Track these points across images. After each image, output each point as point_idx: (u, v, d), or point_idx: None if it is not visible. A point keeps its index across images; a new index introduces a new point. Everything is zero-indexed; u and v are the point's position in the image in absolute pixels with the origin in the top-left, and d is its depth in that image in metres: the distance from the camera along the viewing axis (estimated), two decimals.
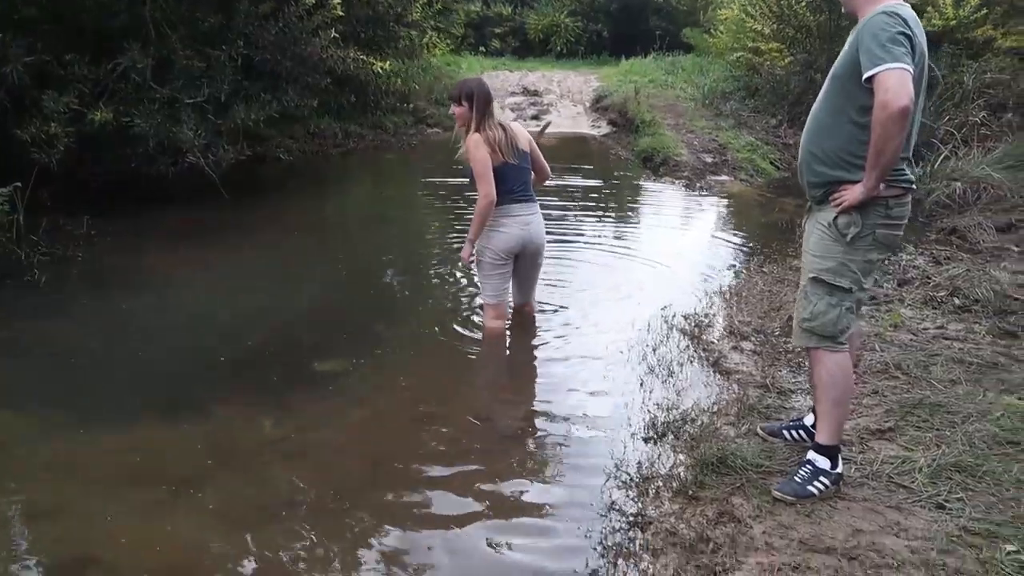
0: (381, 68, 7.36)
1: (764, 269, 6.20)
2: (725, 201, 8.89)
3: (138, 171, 7.26)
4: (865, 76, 2.76)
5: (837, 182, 2.98)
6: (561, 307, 5.21)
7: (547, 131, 13.18)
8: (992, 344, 4.62)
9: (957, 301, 5.28)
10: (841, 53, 2.99)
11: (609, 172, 10.33)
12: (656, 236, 7.29)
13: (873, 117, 2.75)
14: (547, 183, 4.88)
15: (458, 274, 5.74)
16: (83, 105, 6.62)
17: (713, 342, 4.64)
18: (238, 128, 7.21)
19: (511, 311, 4.84)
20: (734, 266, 6.31)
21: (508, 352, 4.69)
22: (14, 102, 6.59)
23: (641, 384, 4.07)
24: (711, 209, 8.56)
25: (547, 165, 4.70)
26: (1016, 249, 6.57)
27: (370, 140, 11.08)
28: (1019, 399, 3.86)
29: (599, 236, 7.26)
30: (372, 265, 6.14)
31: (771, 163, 10.46)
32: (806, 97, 11.77)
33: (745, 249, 6.83)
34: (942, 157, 8.59)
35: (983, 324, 4.89)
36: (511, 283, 4.68)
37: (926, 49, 2.90)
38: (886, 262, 5.82)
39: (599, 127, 13.46)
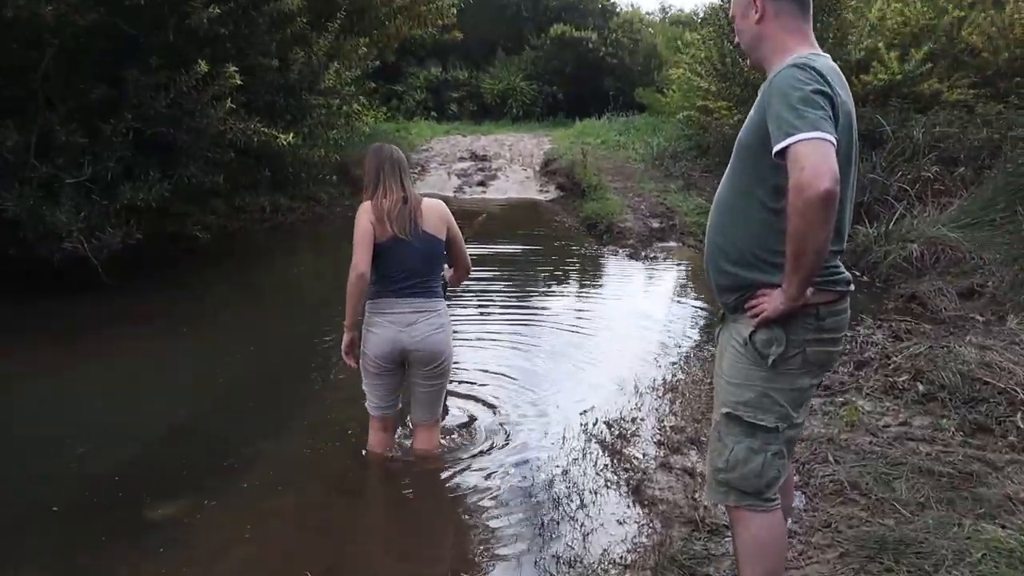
0: (286, 141, 6.59)
1: (705, 353, 5.43)
2: (669, 272, 8.18)
3: (23, 257, 6.40)
4: (775, 150, 2.02)
5: (752, 286, 2.22)
6: (470, 416, 4.37)
7: (492, 197, 12.53)
8: (963, 444, 3.85)
9: (921, 388, 4.51)
10: (748, 116, 2.24)
11: (550, 240, 9.61)
12: (588, 313, 6.50)
13: (788, 203, 2.00)
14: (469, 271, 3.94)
15: None
16: None
17: (637, 458, 3.82)
18: (134, 208, 6.39)
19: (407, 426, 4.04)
20: (671, 350, 5.52)
21: (386, 487, 3.73)
22: None
23: (542, 526, 3.21)
24: (652, 281, 7.83)
25: (466, 256, 3.80)
26: (980, 319, 5.87)
27: (300, 213, 10.31)
28: (1002, 528, 3.07)
29: (522, 312, 6.50)
30: (267, 363, 5.25)
31: None
32: None
33: (686, 329, 6.06)
34: (896, 216, 7.98)
35: (952, 417, 4.13)
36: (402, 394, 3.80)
37: (852, 108, 2.16)
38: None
39: (547, 192, 12.82)
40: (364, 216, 3.45)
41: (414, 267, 3.51)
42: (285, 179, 8.37)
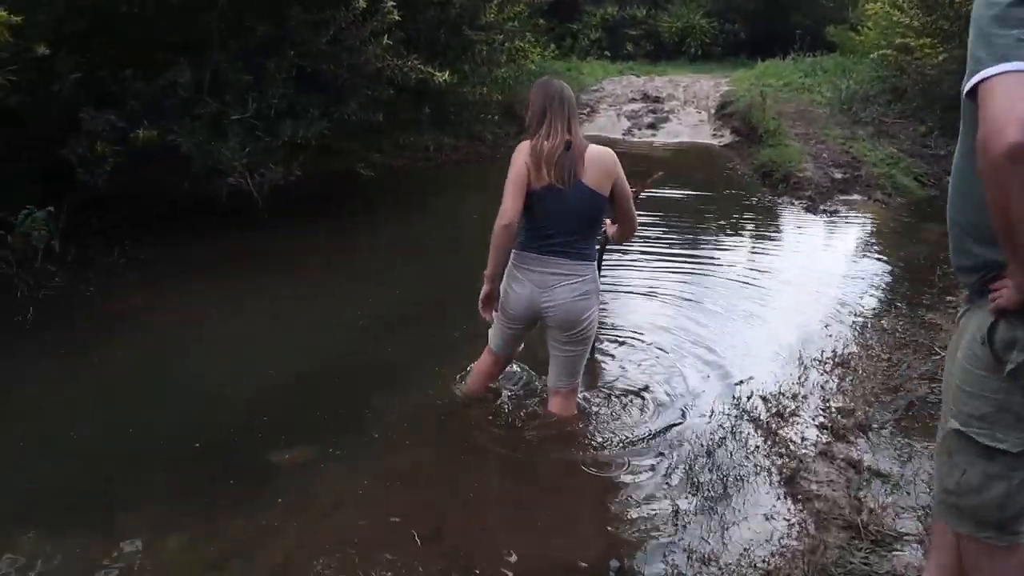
0: (443, 79, 6.36)
1: (885, 324, 4.80)
2: (851, 227, 7.39)
3: (194, 192, 6.61)
4: (964, 90, 1.54)
5: (993, 266, 1.68)
6: (614, 377, 4.02)
7: (664, 143, 11.90)
8: None
9: None
10: None
11: (720, 187, 8.95)
12: (753, 271, 5.90)
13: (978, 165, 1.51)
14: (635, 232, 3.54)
15: None
16: (130, 123, 6.02)
17: (795, 442, 3.37)
18: (296, 145, 6.43)
19: (528, 383, 3.82)
20: (845, 317, 4.91)
21: (511, 452, 3.37)
22: (70, 121, 6.08)
23: (675, 514, 2.86)
24: (829, 237, 7.08)
25: (634, 213, 3.34)
26: None
27: (464, 152, 10.15)
28: None
29: (681, 263, 6.02)
30: (411, 306, 5.08)
31: (915, 179, 8.76)
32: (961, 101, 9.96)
33: (864, 295, 5.39)
34: None
35: None
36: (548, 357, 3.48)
37: None
38: None
39: (721, 136, 12.01)
40: (520, 157, 3.10)
41: (566, 224, 3.13)
42: (446, 118, 8.19)
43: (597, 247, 3.43)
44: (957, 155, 1.77)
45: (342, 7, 6.04)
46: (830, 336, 4.61)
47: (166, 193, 6.79)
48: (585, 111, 13.42)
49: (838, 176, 8.66)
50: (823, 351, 4.34)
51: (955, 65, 10.05)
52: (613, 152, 3.19)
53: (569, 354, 3.35)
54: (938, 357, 4.24)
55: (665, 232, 6.94)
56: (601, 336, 4.50)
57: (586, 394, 3.76)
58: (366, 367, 4.20)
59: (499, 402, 3.68)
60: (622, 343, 4.48)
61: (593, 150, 3.13)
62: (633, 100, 14.17)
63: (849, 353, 4.33)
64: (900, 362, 4.21)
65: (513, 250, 3.21)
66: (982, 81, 1.46)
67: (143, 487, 3.07)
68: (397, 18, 6.16)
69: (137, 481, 3.10)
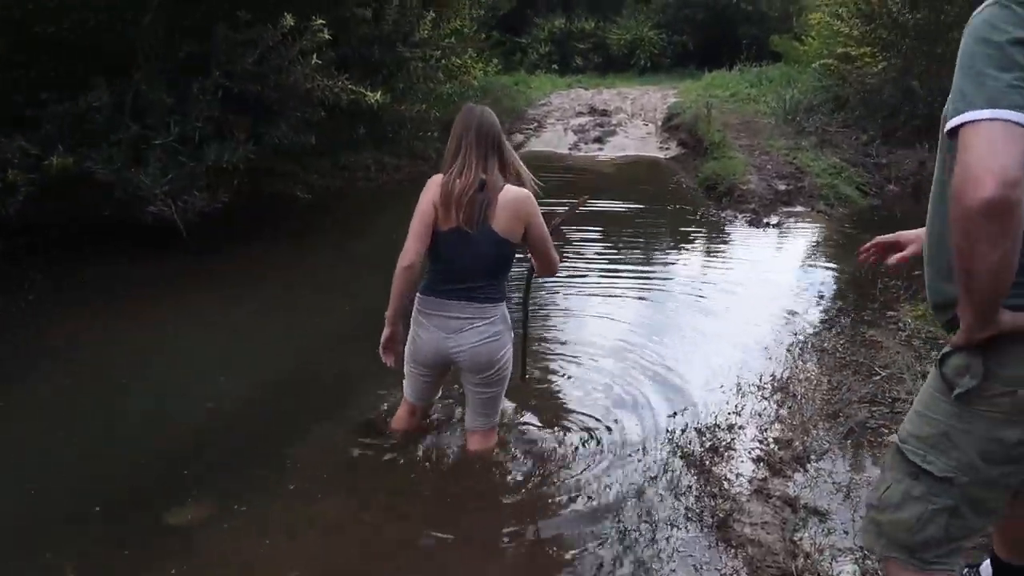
0: (374, 99, 6.13)
1: (825, 344, 4.66)
2: (794, 240, 7.28)
3: (119, 218, 6.29)
4: (945, 127, 1.46)
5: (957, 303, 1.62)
6: (538, 408, 3.81)
7: (610, 157, 11.77)
8: None
9: None
10: None
11: (663, 201, 8.81)
12: (687, 290, 5.73)
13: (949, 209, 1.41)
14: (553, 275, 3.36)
15: None
16: (44, 148, 5.69)
17: (729, 479, 3.18)
18: (225, 169, 6.13)
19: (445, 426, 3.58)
20: (785, 340, 4.76)
21: (429, 495, 3.13)
22: None
23: (599, 568, 2.65)
24: (773, 253, 6.94)
25: (554, 255, 3.10)
26: None
27: (407, 171, 9.90)
28: None
29: (616, 280, 5.85)
30: (340, 337, 4.83)
31: (857, 188, 8.72)
32: (902, 109, 9.99)
33: (805, 312, 5.25)
34: None
35: None
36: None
37: None
38: None
39: (668, 149, 11.93)
40: (428, 195, 2.89)
41: (472, 269, 2.94)
42: (384, 137, 7.96)
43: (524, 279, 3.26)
44: (933, 185, 1.71)
45: (269, 25, 5.77)
46: (769, 358, 4.45)
47: (89, 219, 6.45)
48: (532, 126, 13.31)
49: (782, 188, 8.59)
50: (761, 375, 4.18)
51: (894, 74, 10.09)
52: (530, 194, 2.96)
53: (484, 395, 3.15)
54: (878, 378, 4.12)
55: (604, 249, 6.79)
56: (538, 353, 4.32)
57: (511, 426, 3.55)
58: (287, 404, 3.92)
59: (422, 445, 3.44)
60: (556, 366, 4.29)
61: (508, 192, 2.89)
62: (580, 114, 14.08)
63: (788, 376, 4.18)
64: (840, 385, 4.07)
65: (417, 293, 3.03)
66: (963, 125, 1.37)
67: (28, 563, 2.78)
68: (327, 37, 5.91)
69: (25, 554, 2.81)
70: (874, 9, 9.96)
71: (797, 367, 4.33)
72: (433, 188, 2.88)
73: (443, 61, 7.71)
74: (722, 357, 4.44)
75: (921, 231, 1.94)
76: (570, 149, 12.23)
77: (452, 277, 2.95)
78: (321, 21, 5.79)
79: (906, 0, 9.67)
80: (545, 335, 4.76)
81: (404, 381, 3.30)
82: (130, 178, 5.73)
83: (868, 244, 2.26)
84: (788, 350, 4.56)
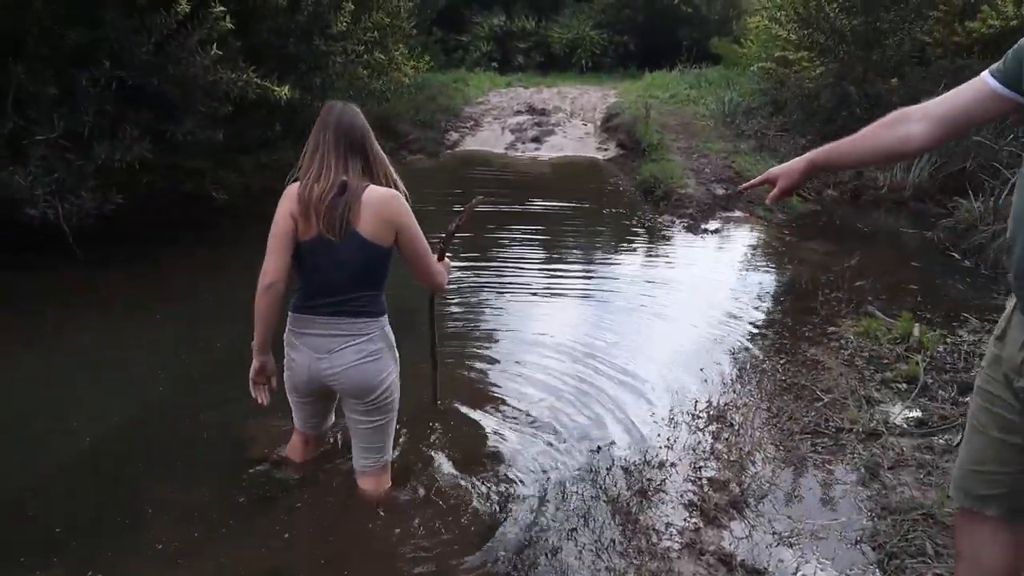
0: (283, 95, 5.61)
1: (765, 364, 4.31)
2: (732, 248, 6.96)
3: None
4: None
5: None
6: (442, 444, 3.35)
7: (547, 157, 11.37)
8: None
9: None
10: None
11: (597, 205, 8.44)
12: (618, 303, 5.34)
13: None
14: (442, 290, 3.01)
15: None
16: None
17: (659, 531, 2.77)
18: (120, 167, 5.52)
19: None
20: (722, 360, 4.39)
21: (313, 547, 2.69)
22: None
23: None
24: (710, 262, 6.59)
25: (431, 265, 2.73)
26: None
27: None
28: None
29: (538, 291, 5.45)
30: (231, 363, 4.29)
31: (796, 194, 8.45)
32: (839, 114, 9.78)
33: (744, 327, 4.90)
34: (1009, 187, 6.59)
35: None
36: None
37: None
38: None
39: (606, 150, 11.56)
40: (285, 205, 2.57)
41: (340, 279, 2.60)
42: (304, 134, 7.40)
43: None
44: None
45: (162, 11, 5.19)
46: (704, 380, 4.08)
47: None
48: (468, 124, 12.83)
49: (720, 192, 8.28)
50: (696, 402, 3.80)
51: (832, 78, 9.89)
52: (397, 194, 2.62)
53: (367, 425, 2.76)
54: (820, 404, 3.77)
55: (532, 251, 6.38)
56: (453, 370, 3.87)
57: (413, 462, 3.10)
58: (166, 441, 3.39)
59: (310, 487, 2.96)
60: (473, 388, 3.85)
61: (373, 193, 2.55)
62: (519, 113, 13.64)
63: (725, 403, 3.80)
64: (780, 412, 3.71)
65: (289, 313, 2.68)
66: None
67: None
68: (230, 26, 5.36)
69: None
70: (812, 14, 9.73)
71: (735, 391, 3.96)
72: (290, 197, 2.56)
73: (366, 56, 7.18)
74: (654, 379, 4.05)
75: (786, 164, 2.07)
76: (506, 149, 11.79)
77: (319, 290, 2.62)
78: (221, 8, 5.23)
79: (843, 6, 9.47)
80: (472, 348, 4.33)
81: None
82: (7, 177, 5.11)
83: (745, 185, 2.40)
84: (725, 371, 4.19)
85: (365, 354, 2.63)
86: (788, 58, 10.58)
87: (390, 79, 8.93)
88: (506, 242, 6.65)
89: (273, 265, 2.54)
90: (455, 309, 5.09)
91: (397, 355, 2.78)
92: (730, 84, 13.94)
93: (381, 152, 2.68)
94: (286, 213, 2.55)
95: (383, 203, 2.56)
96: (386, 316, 2.72)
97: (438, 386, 3.56)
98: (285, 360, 2.74)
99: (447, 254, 2.99)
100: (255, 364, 2.69)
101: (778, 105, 11.60)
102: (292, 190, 2.58)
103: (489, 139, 12.21)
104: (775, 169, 2.11)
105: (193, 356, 4.29)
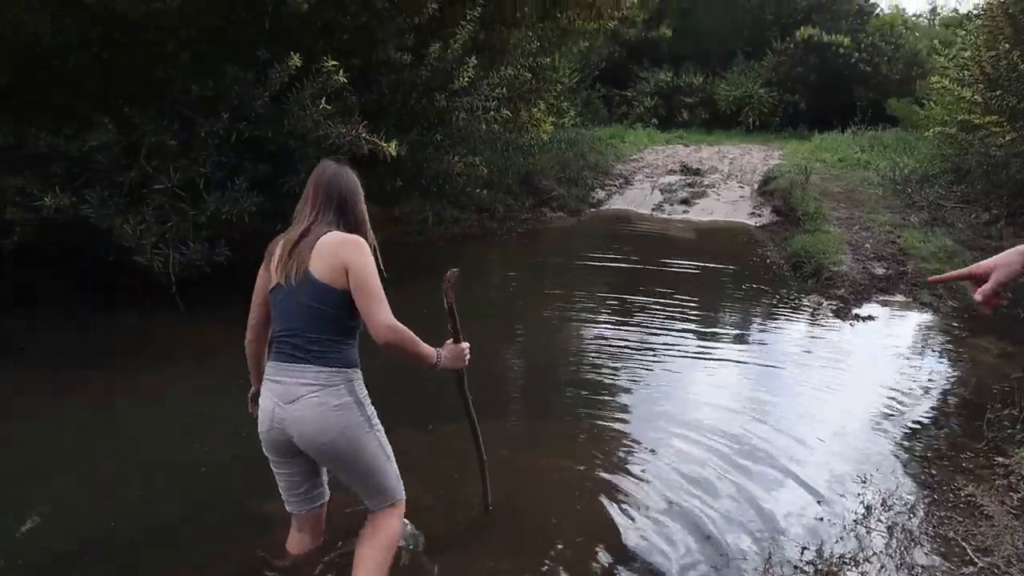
0: (391, 150, 5.29)
1: (910, 501, 3.41)
2: (887, 341, 5.91)
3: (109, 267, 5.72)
4: None
5: None
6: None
7: (694, 221, 10.60)
8: None
9: None
10: None
11: (738, 277, 7.58)
12: (744, 410, 4.56)
13: None
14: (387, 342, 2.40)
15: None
16: (43, 188, 5.15)
17: None
18: (230, 220, 5.40)
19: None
20: (849, 491, 3.52)
21: None
22: None
23: None
24: (859, 356, 5.59)
25: (381, 318, 2.32)
26: None
27: (466, 225, 9.08)
28: None
29: (670, 363, 4.74)
30: None
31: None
32: None
33: (880, 446, 3.98)
34: None
35: None
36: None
37: None
38: None
39: (760, 216, 10.65)
40: (264, 263, 2.58)
41: (296, 324, 2.43)
42: (429, 189, 7.13)
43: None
44: None
45: (276, 64, 5.06)
46: (820, 519, 3.25)
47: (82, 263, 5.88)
48: (617, 182, 12.29)
49: (879, 271, 7.23)
50: (803, 548, 3.00)
51: (1023, 146, 8.60)
52: (359, 239, 2.43)
53: (350, 481, 2.57)
54: (971, 571, 2.87)
55: (659, 319, 5.70)
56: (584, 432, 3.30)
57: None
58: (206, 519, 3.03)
59: None
60: (613, 475, 3.25)
61: (330, 236, 2.42)
62: (672, 172, 12.97)
63: (841, 555, 2.98)
64: (918, 573, 2.85)
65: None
66: None
67: None
68: (342, 80, 5.15)
69: None
70: (1002, 74, 8.50)
71: (866, 538, 3.11)
72: (268, 251, 2.56)
73: (492, 113, 6.83)
74: (770, 509, 3.29)
75: (1001, 255, 1.66)
76: (653, 210, 11.13)
77: (283, 336, 2.45)
78: (334, 63, 5.03)
79: None
80: (598, 422, 3.79)
81: None
82: (122, 225, 5.09)
83: (938, 277, 1.97)
84: (859, 508, 3.34)
85: (327, 406, 2.38)
86: (973, 122, 9.33)
87: (523, 134, 8.59)
88: (622, 306, 6.03)
89: (251, 318, 2.59)
90: (588, 376, 4.57)
91: (370, 412, 2.49)
92: (907, 148, 12.64)
93: (363, 212, 2.56)
94: (263, 267, 2.55)
95: (338, 243, 2.40)
96: (356, 370, 2.49)
97: (488, 487, 3.11)
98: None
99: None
100: (252, 390, 2.71)
101: (959, 174, 10.28)
102: (270, 244, 2.55)
103: (636, 198, 11.60)
104: (987, 261, 1.69)
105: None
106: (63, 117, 5.45)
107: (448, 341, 2.65)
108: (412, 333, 2.38)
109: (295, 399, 2.38)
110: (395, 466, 2.57)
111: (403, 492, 2.60)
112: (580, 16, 7.03)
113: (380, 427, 2.51)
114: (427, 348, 2.46)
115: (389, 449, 2.54)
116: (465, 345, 2.67)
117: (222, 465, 3.56)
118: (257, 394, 2.60)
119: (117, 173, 5.34)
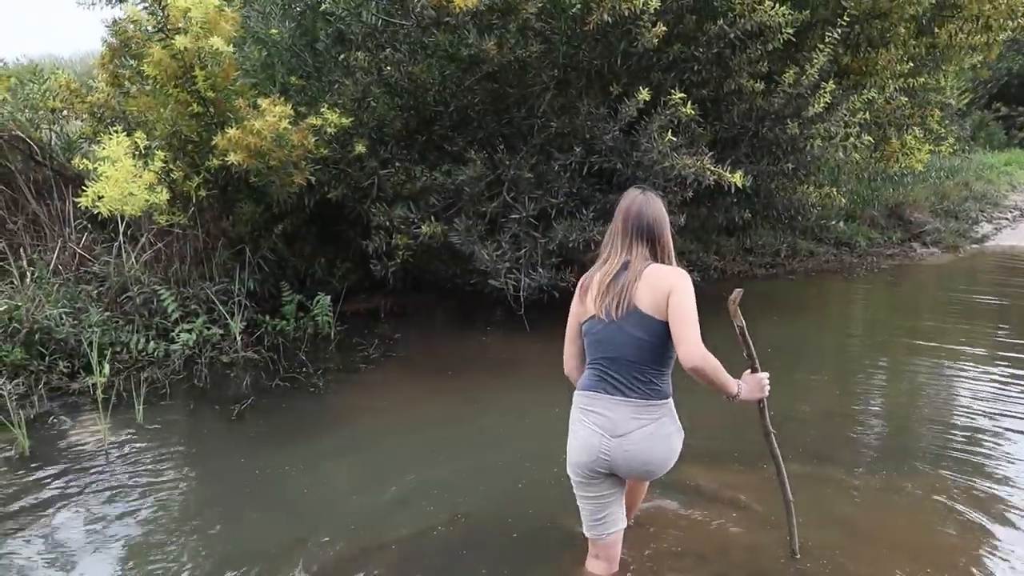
0: (736, 181, 5.04)
1: None
2: None
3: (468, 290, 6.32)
4: None
5: None
6: None
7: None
8: None
9: None
10: None
11: None
12: None
13: None
14: (695, 367, 2.30)
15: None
16: (421, 218, 5.84)
17: None
18: (580, 246, 5.62)
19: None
20: None
21: None
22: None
23: None
24: None
25: (694, 343, 2.27)
26: None
27: (821, 259, 8.36)
28: None
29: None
30: None
31: None
32: None
33: None
34: None
35: None
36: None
37: None
38: None
39: None
40: (576, 294, 2.60)
41: (621, 358, 2.44)
42: (782, 220, 6.71)
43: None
44: None
45: (625, 99, 5.17)
46: None
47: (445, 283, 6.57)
48: (1010, 215, 10.58)
49: None
50: None
51: None
52: (683, 272, 2.44)
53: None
54: None
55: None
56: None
57: None
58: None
59: None
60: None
61: (654, 269, 2.44)
62: None
63: None
64: None
65: (576, 390, 2.60)
66: None
67: None
68: (690, 112, 5.08)
69: None
70: None
71: None
72: (580, 284, 2.60)
73: (853, 140, 6.23)
74: None
75: None
76: None
77: (604, 369, 2.47)
78: (681, 95, 4.99)
79: None
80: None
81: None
82: (482, 251, 5.55)
83: None
84: None
85: (657, 437, 2.44)
86: None
87: (893, 163, 7.75)
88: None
89: (566, 353, 2.65)
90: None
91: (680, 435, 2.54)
92: None
93: (670, 240, 2.54)
94: (575, 300, 2.58)
95: (662, 276, 2.42)
96: (672, 400, 2.50)
97: (795, 530, 2.83)
98: (569, 438, 2.56)
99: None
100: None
101: None
102: (585, 276, 2.58)
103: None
104: None
105: None
106: (443, 156, 6.11)
107: (746, 372, 2.55)
108: (718, 362, 2.31)
109: (625, 433, 2.43)
110: None
111: None
112: (963, 30, 6.14)
113: None
114: (730, 378, 2.40)
115: None
116: (764, 375, 2.55)
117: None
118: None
119: (481, 204, 5.82)
